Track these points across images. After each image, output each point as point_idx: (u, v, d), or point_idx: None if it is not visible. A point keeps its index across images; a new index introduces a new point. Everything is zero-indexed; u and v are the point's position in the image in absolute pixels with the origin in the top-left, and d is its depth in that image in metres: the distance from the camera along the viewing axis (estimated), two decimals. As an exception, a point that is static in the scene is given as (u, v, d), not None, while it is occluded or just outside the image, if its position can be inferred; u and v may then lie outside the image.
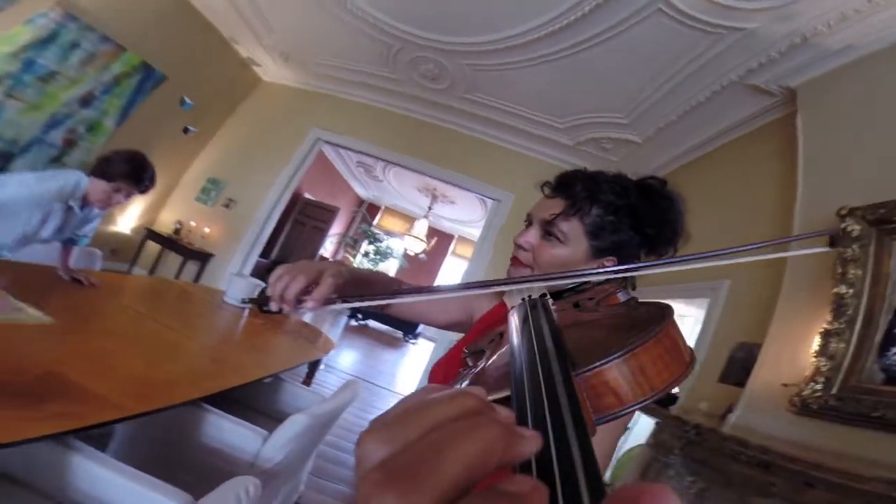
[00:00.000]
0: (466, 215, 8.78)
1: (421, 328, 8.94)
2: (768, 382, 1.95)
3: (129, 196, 1.90)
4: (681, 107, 3.19)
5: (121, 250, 4.82)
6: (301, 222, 8.41)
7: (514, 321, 0.44)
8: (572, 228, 0.70)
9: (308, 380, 2.81)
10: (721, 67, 2.71)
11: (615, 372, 0.31)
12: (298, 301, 0.63)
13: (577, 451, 0.19)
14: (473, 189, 5.06)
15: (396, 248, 10.06)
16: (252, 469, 1.34)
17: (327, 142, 5.17)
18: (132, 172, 1.84)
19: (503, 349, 0.45)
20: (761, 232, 2.56)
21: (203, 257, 4.88)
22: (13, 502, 0.97)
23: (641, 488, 0.15)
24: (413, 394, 0.22)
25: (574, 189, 0.71)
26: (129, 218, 4.84)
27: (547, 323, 0.39)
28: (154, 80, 4.17)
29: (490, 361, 0.46)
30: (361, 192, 10.04)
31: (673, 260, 0.66)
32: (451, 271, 10.71)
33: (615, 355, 0.31)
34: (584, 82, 3.37)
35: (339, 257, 9.93)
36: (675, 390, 0.34)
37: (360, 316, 8.71)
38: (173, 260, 4.95)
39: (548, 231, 0.72)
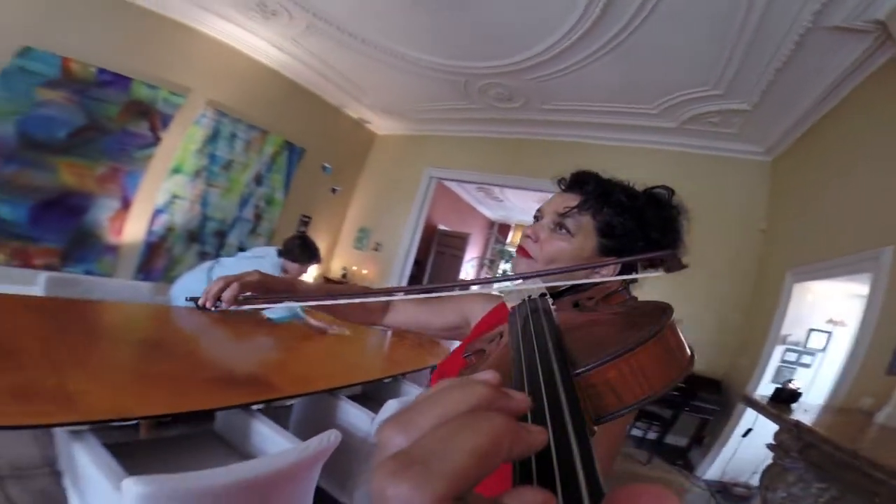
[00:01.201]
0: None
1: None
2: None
3: (306, 271, 2.69)
4: (770, 65, 2.94)
5: None
6: (441, 252, 9.44)
7: (514, 321, 0.44)
8: (584, 223, 0.72)
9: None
10: (786, 13, 2.50)
11: (615, 372, 0.31)
12: (216, 300, 0.75)
13: (577, 451, 0.19)
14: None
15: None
16: (365, 442, 1.72)
17: (440, 178, 5.87)
18: (309, 256, 2.63)
19: (503, 349, 0.46)
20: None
21: (366, 293, 6.10)
22: (214, 451, 1.47)
23: (642, 488, 0.16)
24: (435, 386, 0.22)
25: (588, 186, 0.74)
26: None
27: (547, 322, 0.40)
28: (297, 154, 5.42)
29: (490, 361, 0.47)
30: (489, 214, 10.73)
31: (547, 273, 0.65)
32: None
33: (615, 355, 0.31)
34: (652, 62, 3.30)
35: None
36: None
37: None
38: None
39: (559, 224, 0.73)
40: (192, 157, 4.49)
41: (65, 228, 3.76)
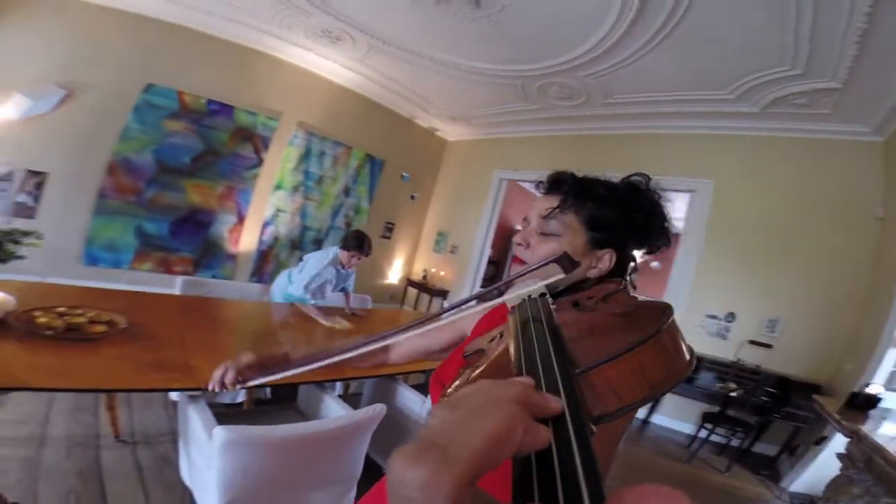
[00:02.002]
0: (682, 211, 8.10)
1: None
2: None
3: (359, 259, 2.88)
4: (847, 38, 2.68)
5: (394, 295, 6.77)
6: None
7: (514, 321, 0.44)
8: (568, 221, 0.72)
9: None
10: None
11: (615, 371, 0.32)
12: (221, 385, 0.83)
13: (577, 451, 0.19)
14: (661, 187, 4.93)
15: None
16: (417, 422, 1.90)
17: (509, 179, 6.01)
18: (358, 245, 2.85)
19: (503, 349, 0.46)
20: None
21: (443, 294, 6.32)
22: (293, 419, 1.77)
23: (650, 488, 0.16)
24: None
25: (565, 186, 0.74)
26: (395, 273, 6.77)
27: (546, 322, 0.39)
28: (378, 165, 5.97)
29: (490, 362, 0.47)
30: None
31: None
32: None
33: (615, 355, 0.32)
34: (711, 47, 3.17)
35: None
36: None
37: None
38: (424, 298, 6.57)
39: (544, 226, 0.74)
40: (289, 174, 5.18)
41: (195, 240, 4.60)
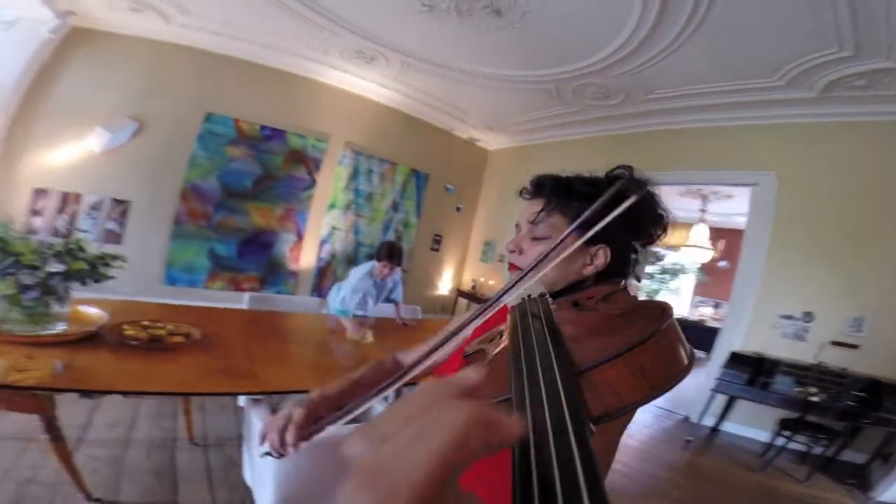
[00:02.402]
0: (743, 206, 7.60)
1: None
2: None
3: (391, 269, 2.95)
4: (892, 14, 2.51)
5: (445, 306, 6.89)
6: (565, 258, 9.26)
7: (513, 321, 0.44)
8: (556, 223, 0.72)
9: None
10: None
11: (615, 371, 0.31)
12: (283, 446, 0.75)
13: (577, 451, 0.19)
14: (720, 181, 4.74)
15: (686, 261, 9.27)
16: None
17: None
18: (388, 255, 2.94)
19: (503, 349, 0.45)
20: None
21: (494, 303, 6.47)
22: None
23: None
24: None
25: (546, 188, 0.74)
26: (445, 283, 6.92)
27: (546, 322, 0.40)
28: (423, 179, 6.16)
29: (490, 362, 0.46)
30: (617, 213, 10.12)
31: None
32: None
33: (615, 355, 0.31)
34: (746, 34, 3.04)
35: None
36: None
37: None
38: (473, 308, 6.68)
39: (534, 231, 0.74)
40: (341, 193, 5.48)
41: (260, 259, 4.96)
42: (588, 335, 0.40)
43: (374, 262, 2.99)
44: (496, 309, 0.52)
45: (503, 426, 0.17)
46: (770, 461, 3.26)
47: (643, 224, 0.71)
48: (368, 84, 5.18)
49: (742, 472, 3.21)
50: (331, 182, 5.37)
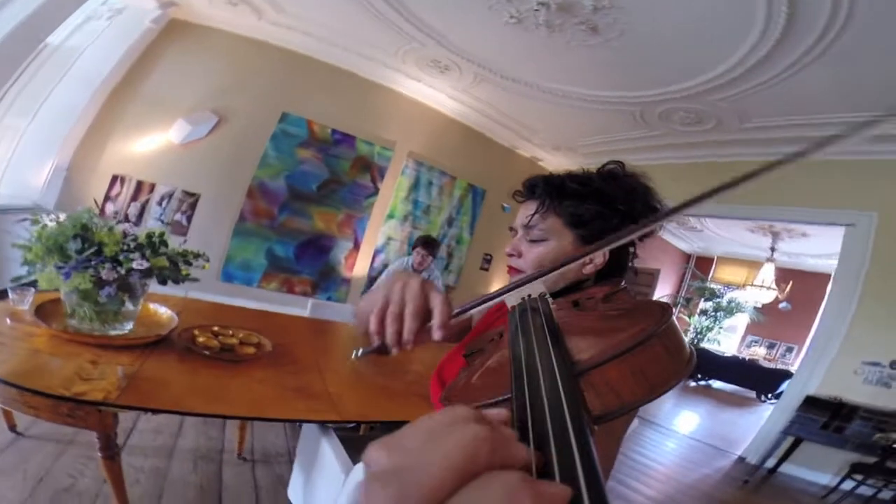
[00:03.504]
0: (829, 247, 6.99)
1: (783, 386, 7.28)
2: None
3: (425, 257, 3.07)
4: None
5: None
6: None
7: (513, 320, 0.44)
8: (551, 224, 0.72)
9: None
10: None
11: (615, 371, 0.31)
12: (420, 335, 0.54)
13: (577, 451, 0.19)
14: (813, 220, 4.45)
15: (744, 300, 8.77)
16: None
17: None
18: (424, 243, 3.08)
19: (503, 349, 0.45)
20: None
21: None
22: None
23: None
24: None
25: (538, 189, 0.75)
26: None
27: (546, 322, 0.39)
28: (479, 195, 5.99)
29: (490, 361, 0.46)
30: (684, 246, 9.58)
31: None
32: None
33: (615, 355, 0.31)
34: (878, 57, 2.73)
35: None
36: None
37: (699, 376, 8.01)
38: None
39: (530, 234, 0.74)
40: (401, 203, 5.40)
41: (316, 264, 4.91)
42: (588, 335, 0.40)
43: (411, 255, 3.04)
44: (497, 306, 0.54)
45: (511, 450, 0.19)
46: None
47: (638, 219, 0.70)
48: (437, 94, 5.09)
49: None
50: (392, 192, 5.29)
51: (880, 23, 2.43)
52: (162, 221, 4.28)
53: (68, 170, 4.03)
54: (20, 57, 3.07)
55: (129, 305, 1.49)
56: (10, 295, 1.53)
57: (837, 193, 3.92)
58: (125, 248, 1.40)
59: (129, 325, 1.51)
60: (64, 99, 3.87)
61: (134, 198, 4.26)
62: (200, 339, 1.56)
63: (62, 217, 1.41)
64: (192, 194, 4.38)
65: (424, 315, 0.52)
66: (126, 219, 4.03)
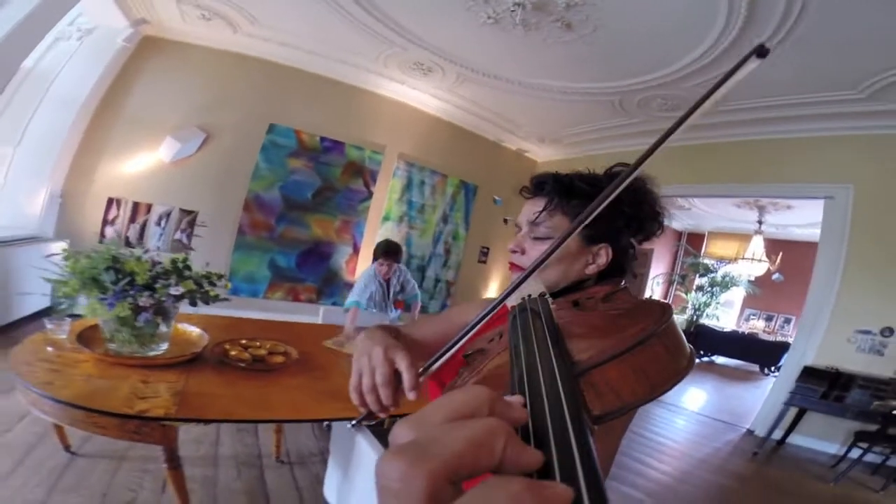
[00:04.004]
0: (814, 216, 7.22)
1: (783, 360, 7.55)
2: None
3: (390, 266, 3.00)
4: None
5: None
6: (619, 272, 9.07)
7: (513, 320, 0.44)
8: (557, 223, 0.72)
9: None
10: None
11: (615, 371, 0.31)
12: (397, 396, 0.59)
13: (577, 451, 0.19)
14: (793, 195, 4.63)
15: (737, 273, 8.98)
16: None
17: None
18: (384, 252, 2.99)
19: (503, 348, 0.45)
20: None
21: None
22: None
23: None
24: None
25: (548, 187, 0.74)
26: (492, 295, 6.84)
27: (546, 322, 0.40)
28: (471, 191, 6.13)
29: (490, 361, 0.46)
30: (675, 225, 9.80)
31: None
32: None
33: (615, 354, 0.31)
34: (833, 49, 2.94)
35: (669, 299, 9.75)
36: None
37: (701, 353, 8.22)
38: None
39: (535, 231, 0.74)
40: (395, 205, 5.51)
41: (318, 271, 5.01)
42: (588, 335, 0.39)
43: (375, 265, 3.06)
44: (499, 308, 0.51)
45: (523, 452, 0.19)
46: (844, 472, 3.26)
47: (642, 222, 0.72)
48: (421, 95, 5.19)
49: (815, 483, 3.25)
50: (385, 194, 5.40)
51: (832, 13, 2.61)
52: (182, 242, 4.33)
53: (62, 196, 4.07)
54: (1, 83, 3.02)
55: (163, 328, 1.59)
56: (48, 325, 1.62)
57: (815, 168, 4.09)
58: (154, 275, 1.50)
59: (164, 346, 1.62)
60: (46, 123, 3.90)
61: (132, 219, 4.32)
62: (233, 353, 1.67)
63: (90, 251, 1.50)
64: (190, 212, 4.44)
65: (395, 379, 0.58)
66: (127, 242, 4.15)
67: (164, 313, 1.56)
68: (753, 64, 0.36)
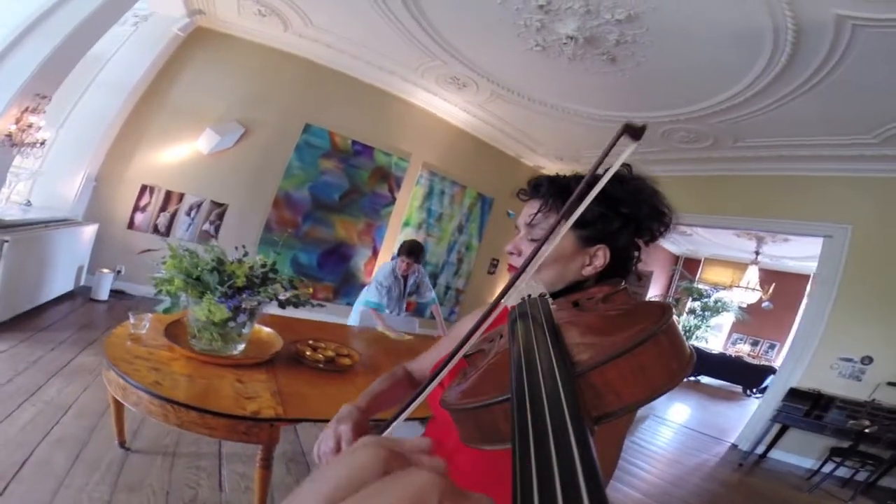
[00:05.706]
0: (809, 250, 7.50)
1: (767, 381, 7.81)
2: None
3: (410, 265, 3.08)
4: None
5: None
6: (622, 292, 9.29)
7: (513, 321, 0.44)
8: (553, 224, 0.66)
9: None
10: None
11: (615, 372, 0.31)
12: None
13: (577, 452, 0.19)
14: (794, 231, 4.81)
15: (729, 300, 9.27)
16: None
17: None
18: (408, 251, 3.09)
19: (503, 349, 0.46)
20: None
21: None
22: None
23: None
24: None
25: (543, 188, 0.74)
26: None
27: (546, 322, 0.40)
28: (488, 203, 6.30)
29: (490, 362, 0.47)
30: (673, 249, 10.06)
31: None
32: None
33: (615, 355, 0.31)
34: (857, 96, 3.12)
35: (663, 319, 9.96)
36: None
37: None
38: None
39: (532, 232, 0.74)
40: (416, 212, 5.63)
41: (338, 271, 5.11)
42: (588, 335, 0.39)
43: (395, 261, 3.15)
44: (499, 311, 0.51)
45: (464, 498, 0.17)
46: (818, 484, 3.62)
47: (643, 222, 0.71)
48: (451, 108, 5.33)
49: (791, 492, 3.60)
50: (408, 201, 5.52)
51: (869, 59, 2.77)
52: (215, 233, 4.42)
53: (97, 179, 4.12)
54: (68, 66, 3.13)
55: (247, 328, 1.70)
56: (131, 319, 1.71)
57: (817, 207, 4.30)
58: (255, 278, 1.62)
59: (242, 345, 1.72)
60: (92, 107, 3.95)
61: (163, 208, 4.38)
62: (308, 354, 1.79)
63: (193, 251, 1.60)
64: (221, 204, 4.52)
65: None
66: (156, 230, 4.22)
67: (253, 315, 1.67)
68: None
